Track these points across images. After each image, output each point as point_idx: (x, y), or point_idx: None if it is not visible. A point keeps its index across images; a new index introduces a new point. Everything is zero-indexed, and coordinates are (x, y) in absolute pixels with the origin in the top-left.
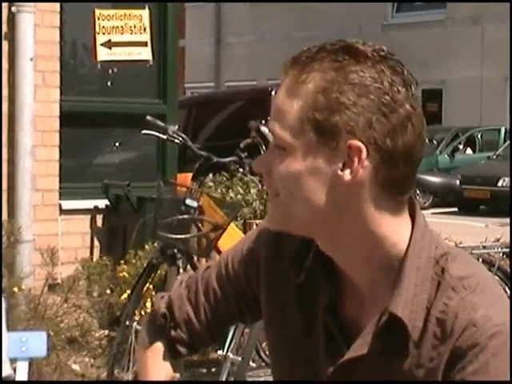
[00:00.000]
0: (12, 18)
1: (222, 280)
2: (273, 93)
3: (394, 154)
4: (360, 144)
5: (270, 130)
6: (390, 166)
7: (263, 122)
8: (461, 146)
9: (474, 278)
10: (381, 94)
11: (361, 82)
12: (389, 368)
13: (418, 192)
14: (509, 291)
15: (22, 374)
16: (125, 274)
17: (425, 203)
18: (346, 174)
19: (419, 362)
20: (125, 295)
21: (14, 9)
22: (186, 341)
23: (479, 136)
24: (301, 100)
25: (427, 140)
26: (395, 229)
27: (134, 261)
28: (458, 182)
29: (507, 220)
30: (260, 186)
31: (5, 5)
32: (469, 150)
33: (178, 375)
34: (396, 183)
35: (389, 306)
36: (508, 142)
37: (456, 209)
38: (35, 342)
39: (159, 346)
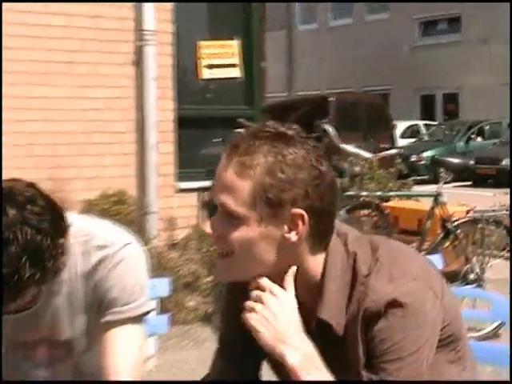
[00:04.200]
0: (139, 49)
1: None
2: (329, 99)
3: (322, 212)
4: (302, 211)
5: (220, 202)
6: (320, 221)
7: (324, 120)
8: (473, 135)
9: (373, 265)
10: (311, 169)
11: (295, 162)
12: (339, 358)
13: (441, 170)
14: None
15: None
16: None
17: (447, 178)
18: (293, 236)
19: (352, 345)
20: None
21: (139, 43)
22: None
23: (487, 127)
24: (251, 181)
25: (450, 131)
26: (318, 260)
27: None
28: (472, 162)
29: (509, 190)
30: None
31: (132, 39)
32: (479, 138)
33: None
34: (324, 232)
35: (316, 313)
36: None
37: (471, 182)
38: (161, 286)
39: None
